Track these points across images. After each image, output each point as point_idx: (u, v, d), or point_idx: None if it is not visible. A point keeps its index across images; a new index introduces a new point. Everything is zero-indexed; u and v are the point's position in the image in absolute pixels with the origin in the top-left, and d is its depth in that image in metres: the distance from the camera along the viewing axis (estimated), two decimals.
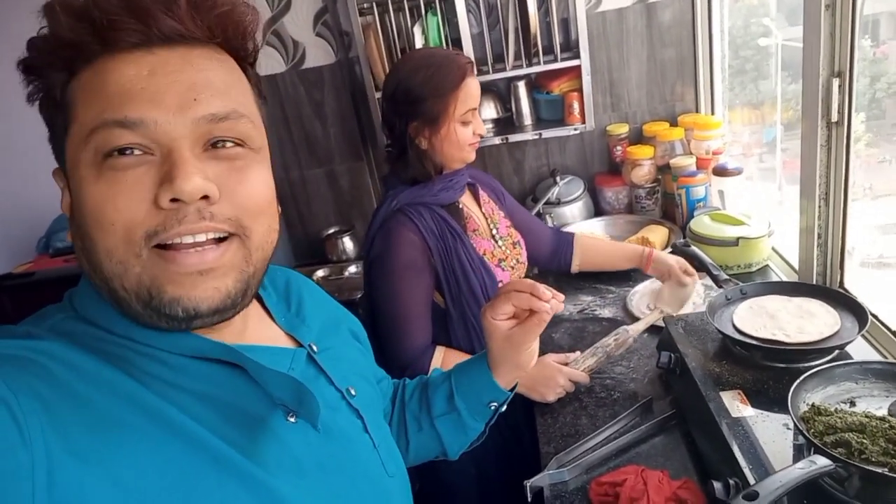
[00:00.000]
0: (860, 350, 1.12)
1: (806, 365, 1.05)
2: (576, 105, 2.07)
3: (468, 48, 1.95)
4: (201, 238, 0.53)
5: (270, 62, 2.23)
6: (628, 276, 1.76)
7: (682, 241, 1.60)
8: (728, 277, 1.38)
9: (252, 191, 0.57)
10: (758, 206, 1.93)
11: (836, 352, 1.08)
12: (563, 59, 1.98)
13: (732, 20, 2.11)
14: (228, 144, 0.56)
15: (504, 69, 2.02)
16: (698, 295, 1.58)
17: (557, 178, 2.18)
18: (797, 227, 1.39)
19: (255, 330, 0.66)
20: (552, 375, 1.27)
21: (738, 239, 1.64)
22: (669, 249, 1.72)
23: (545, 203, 2.13)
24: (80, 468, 0.46)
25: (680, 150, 2.07)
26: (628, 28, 2.13)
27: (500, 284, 1.39)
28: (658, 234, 1.90)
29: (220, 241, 0.55)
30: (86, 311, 0.58)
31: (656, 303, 1.54)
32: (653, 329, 1.42)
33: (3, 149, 2.37)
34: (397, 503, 0.74)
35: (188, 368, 0.57)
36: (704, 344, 1.20)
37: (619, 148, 2.20)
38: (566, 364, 1.31)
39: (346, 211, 2.46)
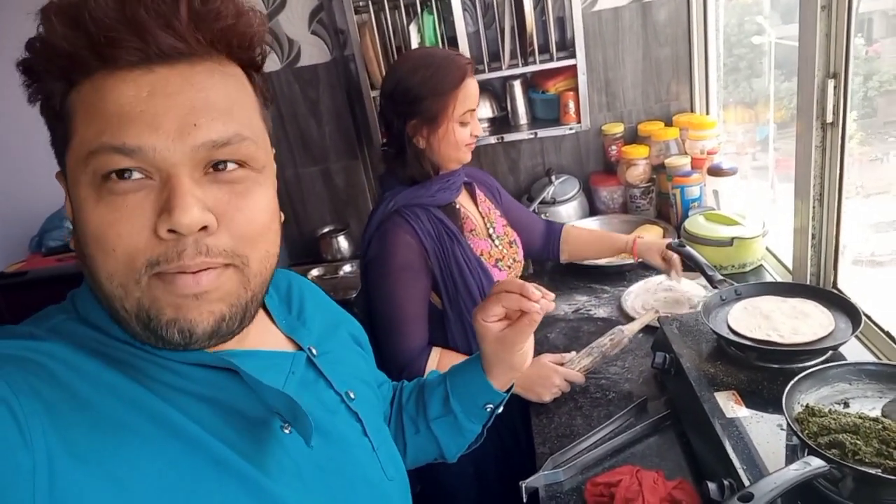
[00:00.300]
0: (854, 351, 1.13)
1: (800, 366, 1.05)
2: (571, 104, 2.07)
3: (464, 47, 1.95)
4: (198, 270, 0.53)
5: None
6: (623, 276, 1.77)
7: (676, 241, 1.61)
8: (723, 278, 1.39)
9: (252, 217, 0.55)
10: (752, 205, 1.94)
11: (830, 353, 1.08)
12: (558, 59, 1.98)
13: (727, 18, 2.11)
14: (230, 166, 0.54)
15: (500, 68, 2.02)
16: (693, 296, 1.59)
17: (553, 178, 2.18)
18: (791, 225, 1.39)
19: (257, 334, 0.66)
20: (548, 375, 1.27)
21: (732, 239, 1.65)
22: (656, 238, 1.73)
23: (540, 202, 2.13)
24: (80, 469, 0.46)
25: (675, 150, 2.08)
26: (624, 27, 2.13)
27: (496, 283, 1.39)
28: (653, 233, 1.90)
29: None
30: (87, 313, 0.58)
31: (653, 301, 1.54)
32: (648, 329, 1.42)
33: None
34: None
35: (189, 372, 0.57)
36: (699, 344, 1.20)
37: (614, 147, 2.20)
38: (562, 364, 1.31)
39: (341, 210, 2.46)
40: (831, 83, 1.19)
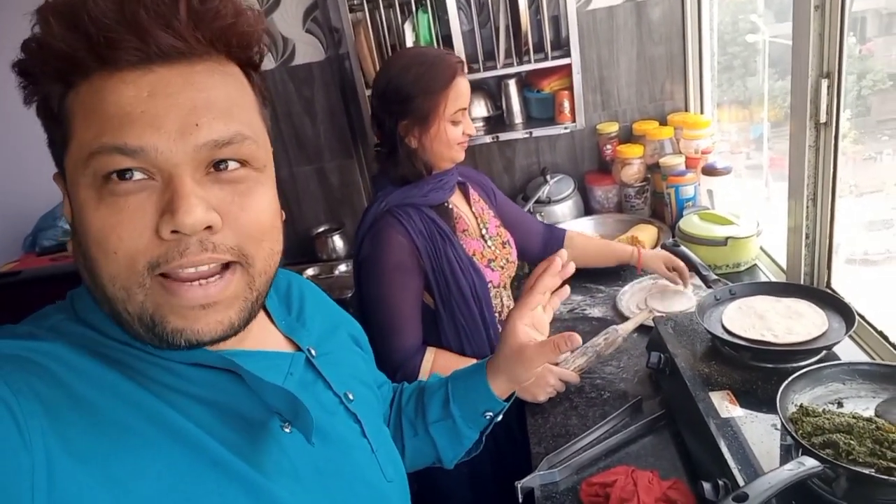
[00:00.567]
0: (848, 351, 1.14)
1: (794, 365, 1.06)
2: (566, 103, 2.07)
3: (458, 46, 1.95)
4: (203, 269, 0.52)
5: None
6: (618, 276, 1.77)
7: (671, 240, 1.61)
8: (717, 277, 1.39)
9: (255, 216, 0.55)
10: (746, 204, 1.95)
11: (824, 352, 1.09)
12: (553, 58, 1.98)
13: (721, 16, 2.11)
14: (232, 166, 0.54)
15: (495, 67, 2.01)
16: (689, 297, 1.59)
17: (548, 177, 2.18)
18: (784, 224, 1.40)
19: (256, 334, 0.66)
20: (543, 375, 1.27)
21: (726, 238, 1.65)
22: (659, 249, 1.73)
23: (535, 202, 2.13)
24: (79, 470, 0.46)
25: (669, 149, 2.08)
26: (618, 26, 2.13)
27: (489, 284, 1.40)
28: (647, 233, 1.91)
29: (223, 267, 0.54)
30: (86, 314, 0.57)
31: (649, 300, 1.55)
32: (642, 329, 1.42)
33: None
34: None
35: (188, 373, 0.57)
36: (694, 344, 1.20)
37: (608, 147, 2.21)
38: (556, 364, 1.31)
39: (336, 209, 2.45)
40: (825, 83, 1.19)
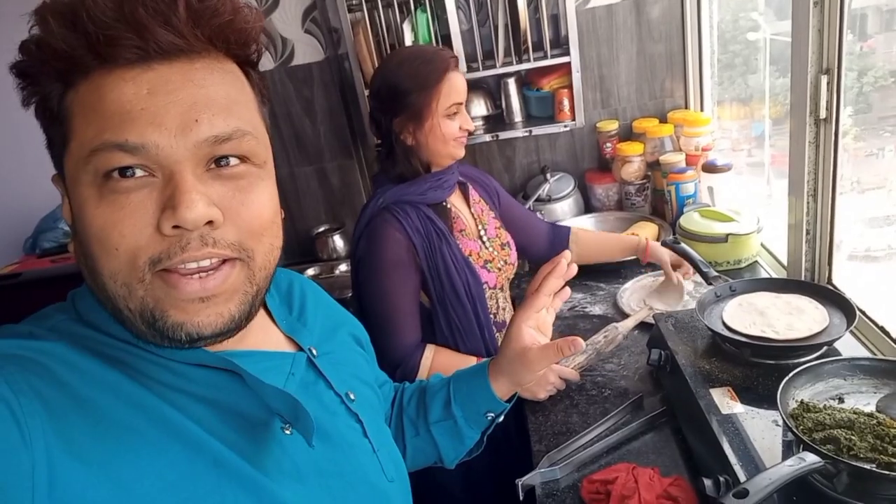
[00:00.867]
0: (848, 346, 1.13)
1: (795, 361, 1.06)
2: (566, 102, 2.07)
3: (458, 45, 1.95)
4: (205, 263, 0.52)
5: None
6: (619, 273, 1.77)
7: (671, 237, 1.61)
8: (717, 274, 1.39)
9: (256, 212, 0.56)
10: (747, 201, 1.94)
11: (825, 348, 1.08)
12: (552, 56, 1.98)
13: (721, 14, 2.11)
14: (232, 162, 0.54)
15: (494, 66, 2.01)
16: (688, 293, 1.59)
17: (548, 175, 2.18)
18: (786, 221, 1.39)
19: (257, 334, 0.66)
20: (543, 373, 1.27)
21: (727, 235, 1.65)
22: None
23: (536, 200, 2.13)
24: (80, 469, 0.46)
25: (669, 147, 2.08)
26: (618, 24, 2.13)
27: (485, 285, 1.39)
28: (648, 230, 1.91)
29: (222, 261, 0.54)
30: (87, 314, 0.58)
31: (647, 299, 1.54)
32: (643, 326, 1.42)
33: None
34: None
35: (189, 373, 0.57)
36: (694, 341, 1.20)
37: (608, 144, 2.20)
38: (557, 362, 1.31)
39: (336, 209, 2.45)
40: (824, 79, 1.19)
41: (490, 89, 2.23)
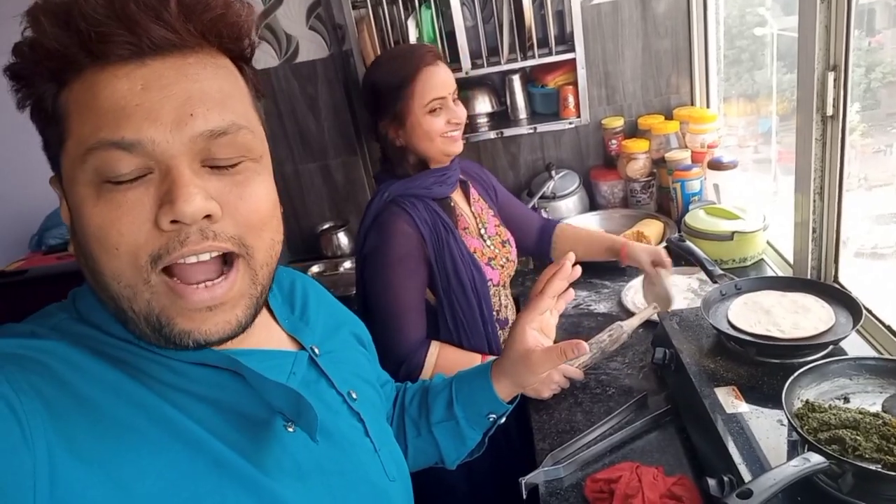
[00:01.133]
0: (854, 345, 1.12)
1: (800, 360, 1.05)
2: (571, 99, 2.06)
3: (462, 41, 1.94)
4: (205, 257, 0.52)
5: (263, 56, 2.20)
6: (623, 271, 1.76)
7: (676, 235, 1.60)
8: (723, 272, 1.38)
9: (255, 206, 0.55)
10: (753, 198, 1.93)
11: (831, 347, 1.08)
12: (557, 53, 1.97)
13: (728, 9, 2.10)
14: (229, 156, 0.54)
15: (499, 62, 2.01)
16: (693, 291, 1.58)
17: (553, 173, 2.17)
18: (792, 219, 1.38)
19: (260, 333, 0.66)
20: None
21: (733, 233, 1.64)
22: (664, 244, 1.72)
23: (541, 197, 2.12)
24: (81, 469, 0.46)
25: (675, 144, 2.07)
26: (623, 19, 2.11)
27: (489, 282, 1.39)
28: (653, 228, 1.90)
29: (224, 262, 0.54)
30: (88, 313, 0.58)
31: (644, 298, 1.54)
32: (648, 324, 1.41)
33: None
34: None
35: (190, 372, 0.57)
36: (699, 339, 1.20)
37: (614, 141, 2.19)
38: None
39: (340, 206, 2.45)
40: (831, 76, 1.18)
41: (495, 86, 2.23)
